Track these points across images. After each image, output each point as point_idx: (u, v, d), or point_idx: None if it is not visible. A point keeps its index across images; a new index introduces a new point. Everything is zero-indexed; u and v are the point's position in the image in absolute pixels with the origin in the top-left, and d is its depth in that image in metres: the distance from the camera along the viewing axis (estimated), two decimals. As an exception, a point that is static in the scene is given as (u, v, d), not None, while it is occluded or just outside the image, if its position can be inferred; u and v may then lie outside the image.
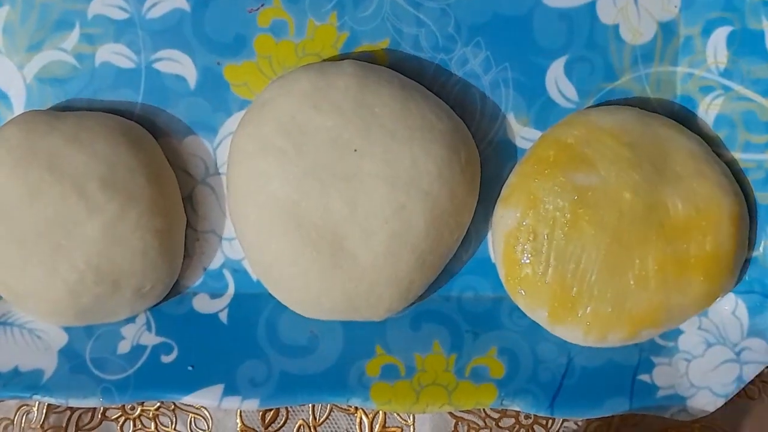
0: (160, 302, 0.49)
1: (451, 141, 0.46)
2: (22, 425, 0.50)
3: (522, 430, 0.51)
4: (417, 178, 0.45)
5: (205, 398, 0.47)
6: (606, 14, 0.48)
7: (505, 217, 0.47)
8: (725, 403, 0.47)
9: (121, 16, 0.48)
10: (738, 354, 0.47)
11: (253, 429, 0.51)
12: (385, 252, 0.45)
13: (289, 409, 0.51)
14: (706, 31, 0.48)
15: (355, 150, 0.45)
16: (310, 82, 0.46)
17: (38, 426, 0.50)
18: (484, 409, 0.51)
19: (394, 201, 0.45)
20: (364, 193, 0.45)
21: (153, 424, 0.51)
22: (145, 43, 0.48)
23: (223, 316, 0.49)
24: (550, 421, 0.51)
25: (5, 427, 0.50)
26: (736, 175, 0.48)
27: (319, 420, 0.51)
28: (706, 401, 0.47)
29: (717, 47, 0.48)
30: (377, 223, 0.45)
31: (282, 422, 0.51)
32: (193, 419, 0.51)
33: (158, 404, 0.51)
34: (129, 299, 0.47)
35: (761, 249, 0.48)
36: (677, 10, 0.49)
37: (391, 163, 0.45)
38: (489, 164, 0.49)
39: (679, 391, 0.47)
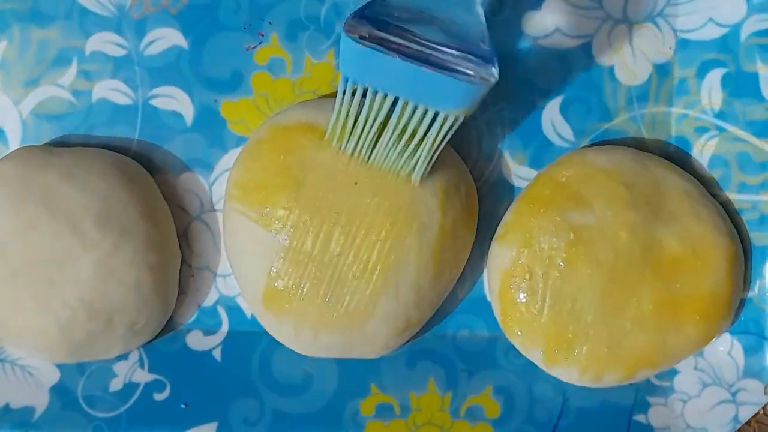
0: (154, 339, 0.49)
1: (452, 176, 0.46)
2: (12, 463, 0.50)
3: (517, 470, 0.51)
4: (417, 212, 0.45)
5: (198, 437, 0.47)
6: (602, 56, 0.49)
7: (501, 256, 0.47)
8: (721, 445, 0.47)
9: (118, 53, 0.48)
10: (734, 395, 0.47)
11: (246, 468, 0.51)
12: (383, 288, 0.45)
13: (283, 447, 0.51)
14: (701, 73, 0.48)
15: (356, 183, 0.45)
16: (307, 118, 0.46)
17: (28, 464, 0.50)
18: (479, 449, 0.51)
19: (394, 235, 0.45)
20: (363, 228, 0.45)
21: (144, 463, 0.51)
22: (143, 80, 0.48)
23: (217, 354, 0.49)
24: (546, 461, 0.51)
25: (-6, 465, 0.50)
26: (731, 215, 0.48)
27: (312, 459, 0.51)
28: (702, 442, 0.47)
29: (712, 89, 0.48)
30: (376, 257, 0.45)
31: (275, 461, 0.51)
32: (185, 457, 0.51)
33: (150, 442, 0.51)
34: (122, 336, 0.47)
35: (756, 289, 0.48)
36: (672, 51, 0.49)
37: (392, 198, 0.45)
38: (485, 202, 0.49)
39: (675, 432, 0.47)
